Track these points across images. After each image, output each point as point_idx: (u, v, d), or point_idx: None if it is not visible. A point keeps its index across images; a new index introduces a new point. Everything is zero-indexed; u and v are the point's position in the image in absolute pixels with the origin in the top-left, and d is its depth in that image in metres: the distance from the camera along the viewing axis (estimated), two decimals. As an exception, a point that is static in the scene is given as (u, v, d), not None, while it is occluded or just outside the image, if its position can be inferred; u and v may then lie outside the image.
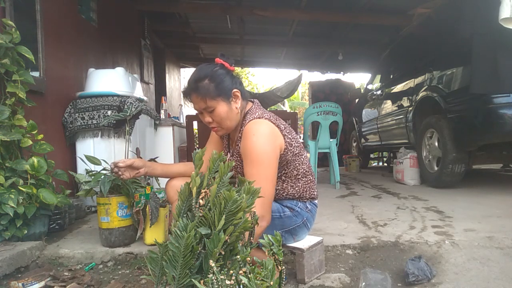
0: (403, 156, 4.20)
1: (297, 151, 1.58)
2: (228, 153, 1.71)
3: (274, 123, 1.51)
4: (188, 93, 1.53)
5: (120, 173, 1.64)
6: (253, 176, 1.40)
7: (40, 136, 2.14)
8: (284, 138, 1.52)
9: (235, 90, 1.52)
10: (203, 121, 1.57)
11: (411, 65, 4.34)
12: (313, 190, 1.65)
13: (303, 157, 1.61)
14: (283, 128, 1.54)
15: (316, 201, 1.69)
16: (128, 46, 5.08)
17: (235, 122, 1.56)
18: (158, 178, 2.14)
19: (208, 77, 1.48)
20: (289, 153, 1.54)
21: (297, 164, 1.58)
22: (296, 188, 1.60)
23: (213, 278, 0.96)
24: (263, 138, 1.44)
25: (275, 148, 1.47)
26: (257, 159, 1.42)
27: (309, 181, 1.64)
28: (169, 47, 7.70)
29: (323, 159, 6.24)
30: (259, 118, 1.51)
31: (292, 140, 1.56)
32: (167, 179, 1.75)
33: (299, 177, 1.60)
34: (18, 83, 2.06)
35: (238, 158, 1.58)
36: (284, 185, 1.59)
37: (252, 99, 1.67)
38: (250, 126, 1.48)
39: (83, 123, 2.87)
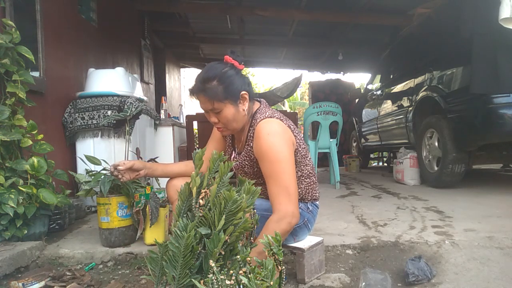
0: (403, 156, 4.20)
1: (304, 153, 1.58)
2: (233, 152, 1.70)
3: (285, 123, 1.51)
4: (195, 92, 1.51)
5: (120, 176, 1.64)
6: (274, 175, 1.40)
7: (40, 136, 2.14)
8: (295, 139, 1.53)
9: (243, 92, 1.50)
10: (209, 120, 1.56)
11: (411, 65, 4.34)
12: (315, 192, 1.65)
13: (308, 158, 1.62)
14: (293, 128, 1.54)
15: (317, 202, 1.69)
16: (128, 46, 5.08)
17: (241, 124, 1.55)
18: (159, 178, 2.14)
19: (217, 78, 1.46)
20: (298, 154, 1.54)
21: (302, 166, 1.58)
22: (299, 190, 1.58)
23: (213, 278, 0.96)
24: (279, 137, 1.44)
25: (290, 145, 1.48)
26: (277, 157, 1.42)
27: (312, 183, 1.63)
28: (169, 47, 7.70)
29: (323, 159, 6.24)
30: (270, 117, 1.50)
31: (300, 141, 1.57)
32: (168, 178, 1.75)
33: (303, 178, 1.59)
34: (18, 83, 2.06)
35: (247, 158, 1.56)
36: None
37: (260, 99, 1.66)
38: (263, 125, 1.47)
39: (83, 123, 2.87)
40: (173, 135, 3.90)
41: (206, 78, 1.47)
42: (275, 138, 1.43)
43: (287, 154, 1.44)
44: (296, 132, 1.56)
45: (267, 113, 1.53)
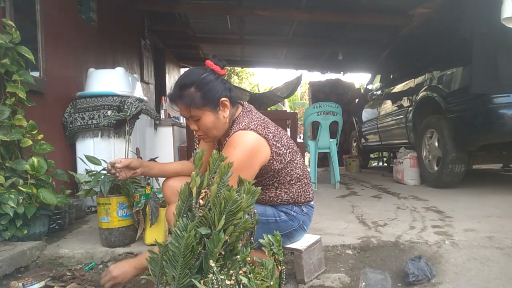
0: (403, 156, 4.20)
1: (288, 159, 1.52)
2: None
3: (260, 134, 1.43)
4: (173, 99, 1.47)
5: (117, 174, 1.63)
6: None
7: (40, 136, 2.14)
8: (271, 149, 1.45)
9: (223, 99, 1.44)
10: (190, 126, 1.52)
11: (411, 65, 4.34)
12: (308, 193, 1.61)
13: (295, 162, 1.56)
14: (271, 137, 1.46)
15: (312, 203, 1.66)
16: (128, 46, 5.08)
17: (222, 131, 1.50)
18: (158, 178, 2.13)
19: (194, 85, 1.41)
20: (275, 163, 1.48)
21: (289, 170, 1.53)
22: (290, 194, 1.56)
23: (213, 278, 0.96)
24: (242, 153, 1.38)
25: (253, 163, 1.41)
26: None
27: (304, 185, 1.59)
28: (169, 47, 7.70)
29: (323, 159, 6.23)
30: (244, 129, 1.43)
31: (281, 147, 1.49)
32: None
33: (293, 182, 1.56)
34: (18, 83, 2.06)
35: None
36: (277, 191, 1.55)
37: (242, 102, 1.60)
38: (234, 138, 1.42)
39: (83, 123, 2.87)
40: (173, 135, 3.90)
41: (183, 84, 1.43)
42: (237, 154, 1.36)
43: (241, 173, 1.30)
44: (276, 139, 1.47)
45: (243, 123, 1.46)
